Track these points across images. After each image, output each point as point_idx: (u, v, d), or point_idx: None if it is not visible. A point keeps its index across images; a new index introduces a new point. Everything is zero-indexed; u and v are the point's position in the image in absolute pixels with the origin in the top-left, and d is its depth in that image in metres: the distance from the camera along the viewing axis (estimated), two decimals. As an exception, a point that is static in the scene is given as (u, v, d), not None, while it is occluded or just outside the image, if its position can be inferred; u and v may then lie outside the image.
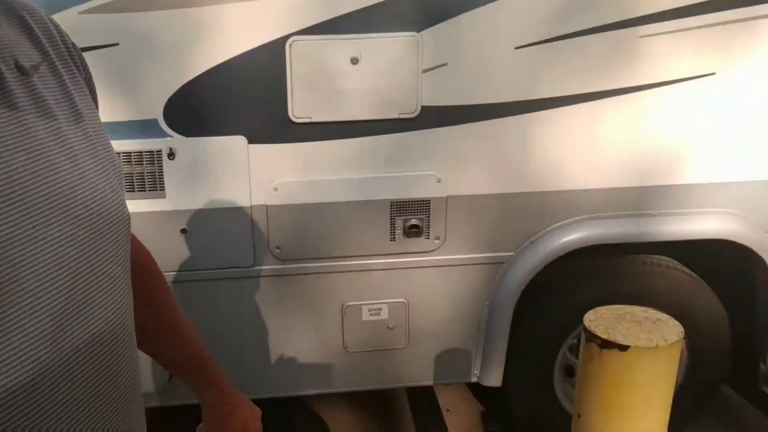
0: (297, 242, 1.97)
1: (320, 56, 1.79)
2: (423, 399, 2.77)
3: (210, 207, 1.89)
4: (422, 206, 1.98)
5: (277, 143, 1.86)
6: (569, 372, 2.44)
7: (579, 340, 2.42)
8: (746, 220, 2.10)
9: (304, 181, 1.91)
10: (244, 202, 1.91)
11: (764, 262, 2.13)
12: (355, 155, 1.90)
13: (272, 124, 1.84)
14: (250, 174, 1.88)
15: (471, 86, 1.88)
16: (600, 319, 1.29)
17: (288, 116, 1.83)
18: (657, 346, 1.22)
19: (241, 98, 1.81)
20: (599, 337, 1.25)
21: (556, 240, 2.05)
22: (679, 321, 2.28)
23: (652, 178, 2.03)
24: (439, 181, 1.96)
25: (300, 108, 1.83)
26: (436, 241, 2.03)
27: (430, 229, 2.01)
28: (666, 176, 2.03)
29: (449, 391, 2.81)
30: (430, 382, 2.24)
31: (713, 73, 1.94)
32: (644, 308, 1.43)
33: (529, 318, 2.18)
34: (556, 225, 2.05)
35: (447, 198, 1.98)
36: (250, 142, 1.85)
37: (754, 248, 2.10)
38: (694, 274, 2.22)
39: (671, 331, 1.30)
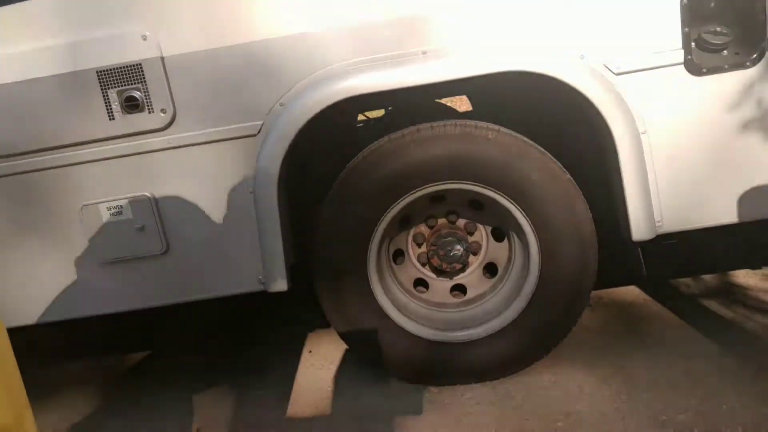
0: (-1, 132, 1.70)
1: None
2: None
3: None
4: (134, 72, 1.67)
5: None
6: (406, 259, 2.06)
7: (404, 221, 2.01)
8: (548, 48, 1.68)
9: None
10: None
11: (589, 100, 1.68)
12: (30, 17, 1.62)
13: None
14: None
15: None
16: None
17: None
18: None
19: None
20: None
21: (309, 97, 1.70)
22: (512, 200, 1.85)
23: (406, 4, 1.66)
24: (144, 38, 1.65)
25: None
26: (163, 115, 1.71)
27: (152, 100, 1.70)
28: None
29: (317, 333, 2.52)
30: (206, 295, 1.90)
31: None
32: None
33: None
34: (307, 80, 1.71)
35: (163, 59, 1.67)
36: None
37: (571, 81, 1.65)
38: (519, 135, 1.79)
39: None
